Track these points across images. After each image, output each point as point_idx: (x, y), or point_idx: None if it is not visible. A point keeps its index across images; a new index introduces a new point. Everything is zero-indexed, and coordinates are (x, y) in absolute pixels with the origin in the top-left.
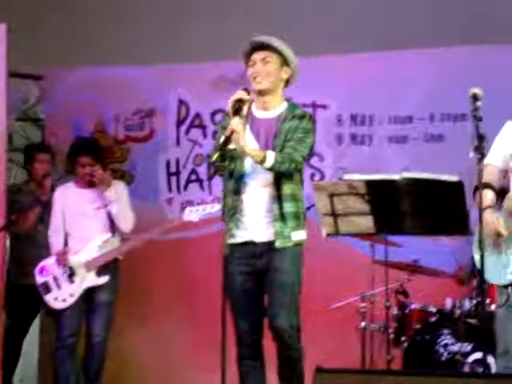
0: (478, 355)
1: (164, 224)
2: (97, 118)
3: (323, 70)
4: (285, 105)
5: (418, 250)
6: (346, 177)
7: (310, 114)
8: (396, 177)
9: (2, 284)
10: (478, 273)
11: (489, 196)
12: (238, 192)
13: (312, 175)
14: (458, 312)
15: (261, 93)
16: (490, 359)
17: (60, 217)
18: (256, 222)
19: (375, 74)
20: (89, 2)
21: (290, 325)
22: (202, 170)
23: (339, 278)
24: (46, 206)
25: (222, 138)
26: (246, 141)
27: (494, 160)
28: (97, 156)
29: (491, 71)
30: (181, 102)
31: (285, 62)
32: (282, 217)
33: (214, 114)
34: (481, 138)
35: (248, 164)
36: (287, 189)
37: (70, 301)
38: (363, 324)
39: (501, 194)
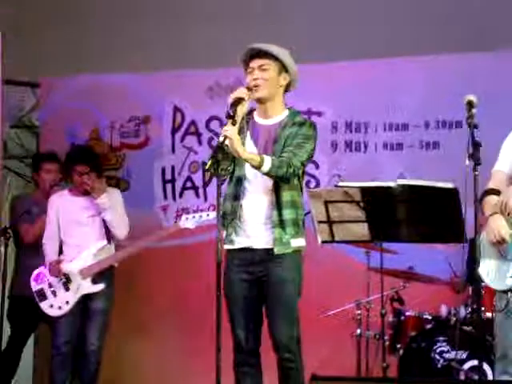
0: (473, 362)
1: (160, 231)
2: (92, 126)
3: (318, 77)
4: (286, 112)
5: (413, 257)
6: (342, 184)
7: (310, 121)
8: (391, 184)
9: None
10: (478, 279)
11: (494, 202)
12: (237, 197)
13: (307, 182)
14: (453, 319)
15: (260, 100)
16: (486, 366)
17: (54, 224)
18: (255, 229)
19: (370, 82)
20: (84, 10)
21: (290, 337)
22: (198, 177)
23: (334, 285)
24: None
25: (215, 145)
26: (242, 146)
27: (503, 166)
28: (93, 164)
29: (485, 78)
30: (176, 109)
31: (283, 68)
32: (281, 223)
33: (209, 121)
34: (476, 145)
35: (248, 169)
36: (287, 195)
37: (66, 308)
38: (359, 331)
39: None
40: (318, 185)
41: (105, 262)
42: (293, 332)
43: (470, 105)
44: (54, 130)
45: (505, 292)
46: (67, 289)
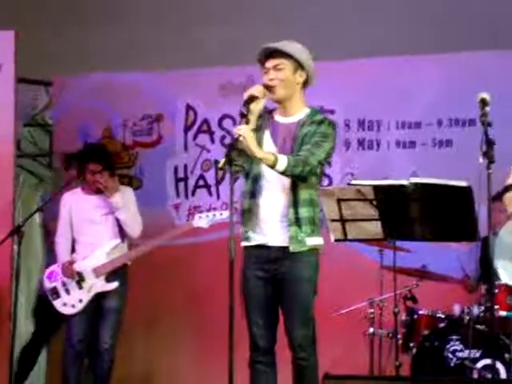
0: (486, 361)
1: (173, 230)
2: (105, 124)
3: (331, 75)
4: (307, 110)
5: (426, 256)
6: (354, 182)
7: (330, 119)
8: (404, 182)
9: (8, 292)
10: (494, 276)
11: None
12: (254, 195)
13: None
14: (466, 318)
15: (278, 101)
16: (499, 365)
17: (67, 223)
18: (271, 226)
19: (383, 80)
20: (97, 9)
21: (305, 336)
22: (210, 176)
23: (347, 283)
24: None
25: (228, 143)
26: (256, 144)
27: None
28: (105, 162)
29: (498, 76)
30: (189, 108)
31: (299, 65)
32: (297, 221)
33: (221, 119)
34: (490, 143)
35: (265, 167)
36: (304, 194)
37: (79, 306)
38: (371, 330)
39: None
40: (330, 183)
41: (118, 260)
42: (308, 331)
43: (484, 103)
44: (66, 128)
45: None
46: (80, 287)
